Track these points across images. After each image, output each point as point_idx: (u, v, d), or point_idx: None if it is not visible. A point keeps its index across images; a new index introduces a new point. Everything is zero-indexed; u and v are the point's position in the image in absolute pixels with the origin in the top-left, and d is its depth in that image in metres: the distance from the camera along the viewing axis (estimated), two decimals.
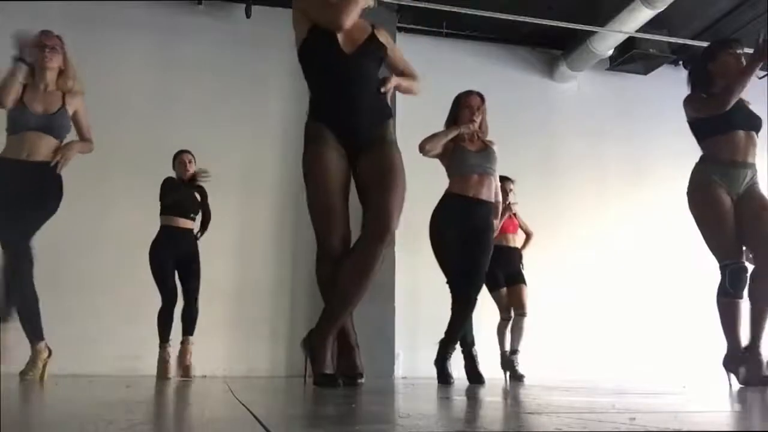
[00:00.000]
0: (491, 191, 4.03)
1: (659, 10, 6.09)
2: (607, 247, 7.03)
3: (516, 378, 4.95)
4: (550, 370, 6.17)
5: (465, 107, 4.07)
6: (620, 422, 1.39)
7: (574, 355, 6.53)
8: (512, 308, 5.21)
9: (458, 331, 3.93)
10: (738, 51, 3.70)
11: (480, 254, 3.92)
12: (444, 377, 3.83)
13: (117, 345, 5.64)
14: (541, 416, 1.55)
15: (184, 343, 4.80)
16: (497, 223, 4.33)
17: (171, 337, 4.90)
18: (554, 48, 7.45)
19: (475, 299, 3.96)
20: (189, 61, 6.40)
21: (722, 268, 3.52)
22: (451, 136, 4.03)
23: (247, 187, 6.19)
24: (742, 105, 3.69)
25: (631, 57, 6.93)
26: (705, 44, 6.94)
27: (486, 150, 4.07)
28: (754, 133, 3.64)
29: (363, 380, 3.06)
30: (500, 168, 5.96)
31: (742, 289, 3.50)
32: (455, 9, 6.43)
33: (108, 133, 6.06)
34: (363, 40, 2.90)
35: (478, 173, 3.99)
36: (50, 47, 3.74)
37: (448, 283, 3.99)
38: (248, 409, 1.69)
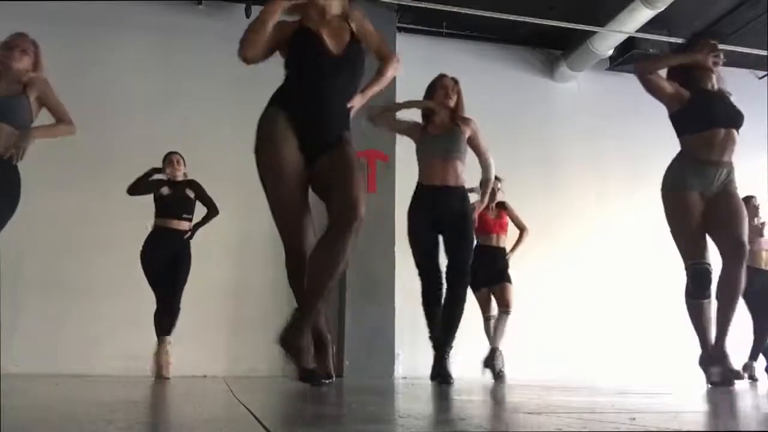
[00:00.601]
0: (459, 177, 3.96)
1: (659, 10, 6.09)
2: (608, 246, 7.03)
3: (497, 376, 4.92)
4: (550, 369, 6.17)
5: (440, 88, 4.05)
6: (620, 422, 1.39)
7: (575, 354, 6.53)
8: (498, 306, 5.17)
9: (454, 329, 3.90)
10: (714, 43, 3.67)
11: (460, 247, 3.87)
12: (444, 377, 3.83)
13: (117, 345, 5.64)
14: (540, 416, 1.55)
15: (160, 344, 4.75)
16: (481, 203, 4.27)
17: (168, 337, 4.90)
18: (554, 48, 7.45)
19: (464, 294, 3.90)
20: (189, 61, 6.40)
21: (686, 269, 3.56)
22: (405, 107, 4.04)
23: (246, 187, 6.14)
24: (723, 100, 3.66)
25: (631, 57, 6.93)
26: None
27: (452, 132, 3.98)
28: (734, 130, 3.60)
29: (330, 381, 2.97)
30: (499, 168, 5.98)
31: (706, 290, 3.52)
32: (455, 9, 6.44)
33: (109, 134, 6.09)
34: (347, 41, 2.85)
35: (442, 158, 3.93)
36: (21, 49, 3.60)
37: (420, 276, 3.94)
38: (248, 409, 1.69)
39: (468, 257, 3.91)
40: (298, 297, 2.84)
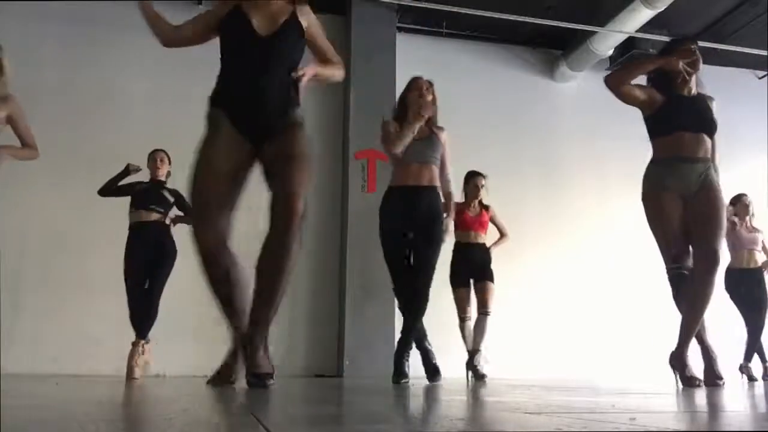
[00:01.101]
0: (434, 178, 3.95)
1: (659, 10, 6.10)
2: (608, 245, 7.03)
3: (478, 378, 4.88)
4: (550, 369, 6.17)
5: (414, 89, 4.04)
6: (620, 422, 1.39)
7: (575, 354, 6.53)
8: (477, 306, 5.09)
9: (413, 330, 3.89)
10: (692, 48, 3.62)
11: (427, 246, 3.85)
12: (398, 375, 3.80)
13: (117, 345, 5.65)
14: (540, 416, 1.55)
15: (134, 345, 4.64)
16: (449, 217, 4.25)
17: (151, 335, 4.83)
18: (554, 48, 7.45)
19: (426, 294, 3.86)
20: (188, 61, 6.38)
21: (667, 273, 3.57)
22: (416, 128, 3.92)
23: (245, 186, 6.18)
24: (697, 105, 3.62)
25: (631, 57, 6.93)
26: (706, 44, 6.96)
27: (429, 138, 3.98)
28: (704, 134, 3.56)
29: (273, 381, 2.70)
30: (499, 167, 5.97)
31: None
32: (455, 9, 6.44)
33: (108, 133, 6.09)
34: (281, 21, 2.78)
35: (419, 162, 3.92)
36: None
37: (392, 278, 3.95)
38: (249, 410, 1.69)
39: (433, 256, 3.88)
40: (217, 299, 2.82)
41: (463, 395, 2.70)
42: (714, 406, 2.11)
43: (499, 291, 5.41)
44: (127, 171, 4.92)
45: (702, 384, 3.42)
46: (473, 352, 5.03)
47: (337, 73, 3.02)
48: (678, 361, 3.50)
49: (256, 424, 1.33)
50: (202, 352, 5.83)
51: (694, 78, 3.64)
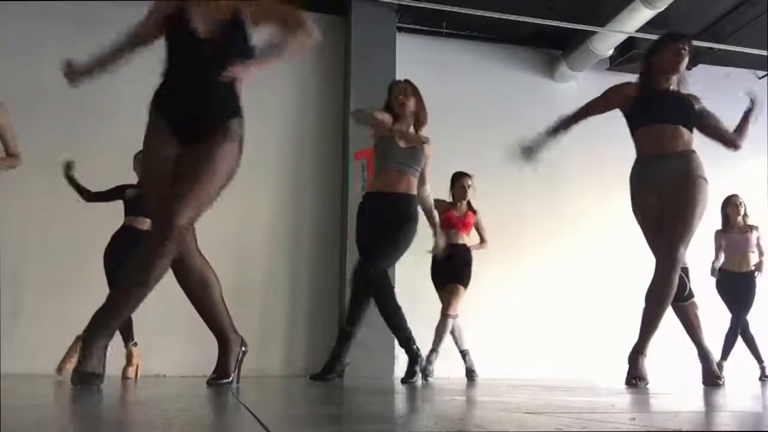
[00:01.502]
0: (410, 186, 3.96)
1: (659, 10, 6.10)
2: (608, 246, 7.02)
3: (424, 377, 4.81)
4: (550, 369, 6.17)
5: (391, 93, 4.05)
6: (620, 422, 1.39)
7: (576, 354, 6.53)
8: (441, 308, 5.06)
9: (396, 331, 3.97)
10: (681, 46, 3.59)
11: (387, 242, 3.86)
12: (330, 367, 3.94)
13: (116, 345, 5.65)
14: (541, 416, 1.55)
15: (128, 347, 4.67)
16: (439, 236, 4.31)
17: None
18: (554, 48, 7.45)
19: (367, 279, 3.89)
20: None
21: None
22: (379, 123, 3.95)
23: (245, 187, 6.17)
24: (671, 98, 3.61)
25: (631, 57, 6.94)
26: (706, 44, 6.95)
27: (414, 148, 3.98)
28: (680, 126, 3.53)
29: (226, 382, 2.98)
30: (498, 168, 5.94)
31: (680, 294, 3.59)
32: (455, 9, 6.44)
33: (109, 134, 6.09)
34: (222, 21, 2.66)
35: (397, 171, 3.94)
36: None
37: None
38: (249, 410, 1.69)
39: (392, 248, 3.90)
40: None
41: (463, 395, 2.70)
42: (714, 406, 2.11)
43: (498, 291, 5.42)
44: (67, 169, 4.95)
45: (643, 385, 3.44)
46: (431, 352, 4.93)
47: (300, 41, 2.68)
48: (631, 359, 3.53)
49: (255, 424, 1.33)
50: (201, 352, 5.82)
51: (675, 76, 3.63)
